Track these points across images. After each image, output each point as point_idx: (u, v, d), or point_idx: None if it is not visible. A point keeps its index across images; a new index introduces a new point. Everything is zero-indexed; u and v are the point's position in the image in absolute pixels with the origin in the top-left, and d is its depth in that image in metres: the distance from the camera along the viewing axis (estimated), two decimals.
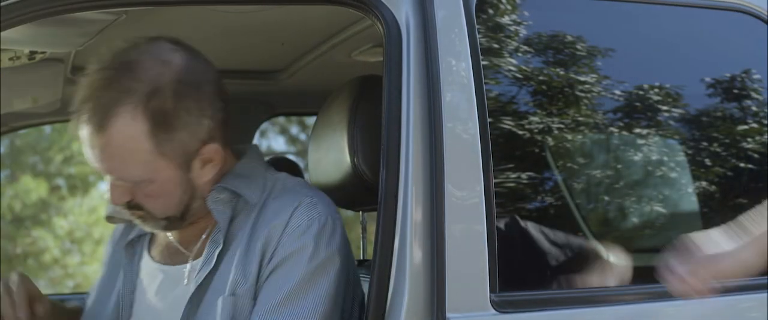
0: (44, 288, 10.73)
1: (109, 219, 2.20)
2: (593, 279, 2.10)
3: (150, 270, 2.05)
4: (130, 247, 2.10)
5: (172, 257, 2.03)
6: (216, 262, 1.92)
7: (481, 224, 1.86)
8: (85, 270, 11.18)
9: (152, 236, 2.10)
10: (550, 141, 2.19)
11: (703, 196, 2.25)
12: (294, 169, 2.44)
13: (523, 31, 2.15)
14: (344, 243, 1.93)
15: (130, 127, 1.82)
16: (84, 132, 1.85)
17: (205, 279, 1.92)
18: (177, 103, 1.84)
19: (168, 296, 1.99)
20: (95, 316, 2.14)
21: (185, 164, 1.89)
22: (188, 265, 1.98)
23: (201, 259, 1.95)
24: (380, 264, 1.83)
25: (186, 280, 1.97)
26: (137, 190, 1.89)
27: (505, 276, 1.89)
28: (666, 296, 1.80)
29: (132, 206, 1.92)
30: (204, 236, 1.99)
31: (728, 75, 2.26)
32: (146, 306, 2.02)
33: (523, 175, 2.13)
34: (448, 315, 1.80)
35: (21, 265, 10.79)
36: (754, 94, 2.29)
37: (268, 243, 1.89)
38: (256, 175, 1.98)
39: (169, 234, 2.05)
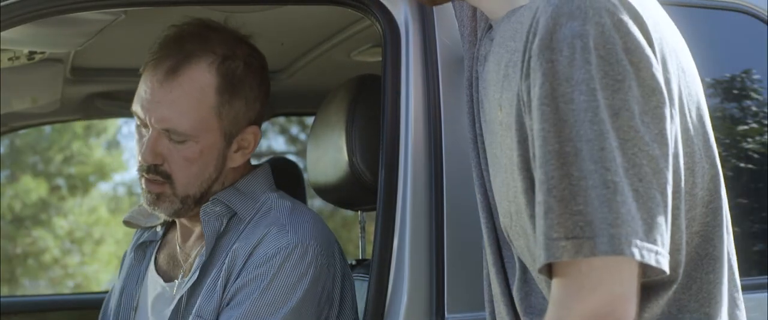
0: (44, 288, 10.78)
1: (127, 223, 2.17)
2: None
3: (152, 281, 2.05)
4: (140, 250, 2.11)
5: (171, 271, 2.04)
6: (201, 276, 1.92)
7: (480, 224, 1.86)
8: (85, 270, 11.20)
9: (162, 243, 2.10)
10: None
11: None
12: (294, 169, 2.44)
13: None
14: (316, 270, 1.87)
15: (204, 77, 1.91)
16: (153, 74, 1.91)
17: (188, 291, 1.92)
18: (245, 74, 1.96)
19: (162, 312, 1.99)
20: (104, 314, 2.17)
21: (229, 137, 1.95)
22: (177, 283, 1.99)
23: (189, 274, 1.96)
24: (379, 264, 1.82)
25: (176, 298, 1.97)
26: (176, 152, 1.91)
27: None
28: None
29: (159, 172, 1.92)
30: (199, 248, 2.00)
31: (728, 75, 2.26)
32: (145, 315, 2.03)
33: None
34: (447, 315, 1.80)
35: (21, 265, 10.80)
36: (754, 94, 2.29)
37: (231, 267, 1.88)
38: (254, 193, 1.99)
39: (177, 241, 2.06)
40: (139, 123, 1.96)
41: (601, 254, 1.26)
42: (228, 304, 1.86)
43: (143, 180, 1.95)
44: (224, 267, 1.88)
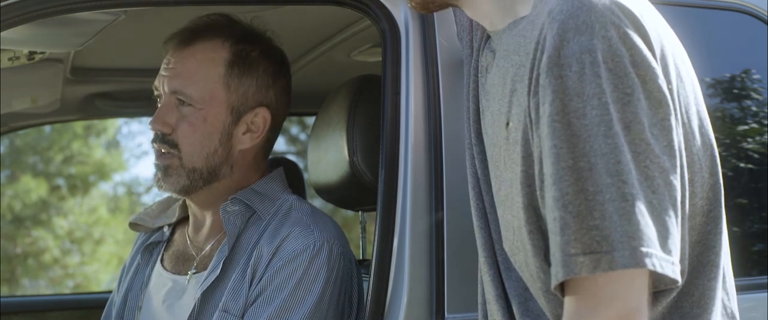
0: (44, 288, 10.77)
1: (133, 226, 2.22)
2: None
3: (160, 277, 2.08)
4: (147, 252, 2.14)
5: (182, 265, 2.06)
6: (222, 272, 1.94)
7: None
8: (85, 270, 11.20)
9: (168, 244, 2.13)
10: None
11: None
12: (294, 169, 2.44)
13: None
14: (340, 269, 1.92)
15: (217, 50, 2.01)
16: (171, 48, 2.03)
17: (210, 287, 1.94)
18: (260, 59, 2.04)
19: (174, 305, 2.01)
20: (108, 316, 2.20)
21: (237, 114, 2.01)
22: (191, 275, 2.02)
23: (208, 269, 1.98)
24: (379, 264, 1.82)
25: (189, 289, 2.00)
26: (182, 119, 1.97)
27: None
28: None
29: (166, 141, 1.98)
30: (213, 242, 2.03)
31: (728, 75, 2.26)
32: (152, 313, 2.04)
33: None
34: (447, 315, 1.80)
35: (21, 265, 10.80)
36: (754, 94, 2.29)
37: (257, 264, 1.91)
38: (272, 194, 2.03)
39: (188, 235, 2.08)
40: (158, 104, 2.03)
41: (620, 267, 1.26)
42: (255, 300, 1.89)
43: (155, 158, 2.01)
44: (250, 265, 1.91)
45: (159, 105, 2.03)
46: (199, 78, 1.98)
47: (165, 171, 1.99)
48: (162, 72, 2.02)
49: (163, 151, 1.99)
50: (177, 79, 1.99)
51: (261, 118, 2.03)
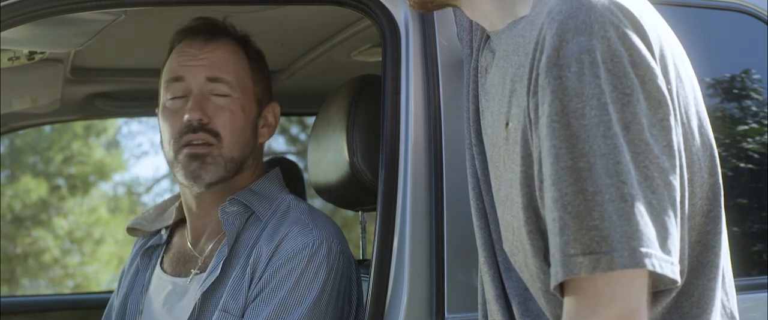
0: (44, 288, 10.77)
1: (130, 231, 2.21)
2: None
3: (160, 280, 2.08)
4: (146, 255, 2.14)
5: (182, 267, 2.06)
6: (222, 272, 1.95)
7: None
8: (85, 270, 11.19)
9: (167, 247, 2.13)
10: None
11: None
12: (294, 169, 2.44)
13: None
14: (339, 268, 1.92)
15: (236, 47, 2.07)
16: (189, 45, 2.04)
17: (210, 287, 1.94)
18: (262, 58, 2.13)
19: (174, 308, 2.01)
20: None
21: (260, 106, 2.08)
22: (193, 276, 2.01)
23: (207, 270, 1.98)
24: (379, 264, 1.82)
25: (190, 291, 2.00)
26: (221, 108, 1.98)
27: None
28: None
29: (206, 130, 1.96)
30: (214, 242, 2.03)
31: (728, 75, 2.26)
32: (152, 316, 2.04)
33: None
34: (447, 315, 1.80)
35: (21, 265, 10.80)
36: (754, 94, 2.29)
37: (256, 264, 1.91)
38: (269, 194, 2.04)
39: (188, 239, 2.08)
40: (173, 97, 2.00)
41: (620, 268, 1.25)
42: (254, 299, 1.89)
43: (186, 148, 1.96)
44: (249, 264, 1.92)
45: (167, 104, 2.01)
46: (234, 68, 2.03)
47: (203, 160, 1.96)
48: (189, 62, 2.01)
49: (196, 141, 1.96)
50: (215, 67, 2.01)
51: (272, 112, 2.11)
